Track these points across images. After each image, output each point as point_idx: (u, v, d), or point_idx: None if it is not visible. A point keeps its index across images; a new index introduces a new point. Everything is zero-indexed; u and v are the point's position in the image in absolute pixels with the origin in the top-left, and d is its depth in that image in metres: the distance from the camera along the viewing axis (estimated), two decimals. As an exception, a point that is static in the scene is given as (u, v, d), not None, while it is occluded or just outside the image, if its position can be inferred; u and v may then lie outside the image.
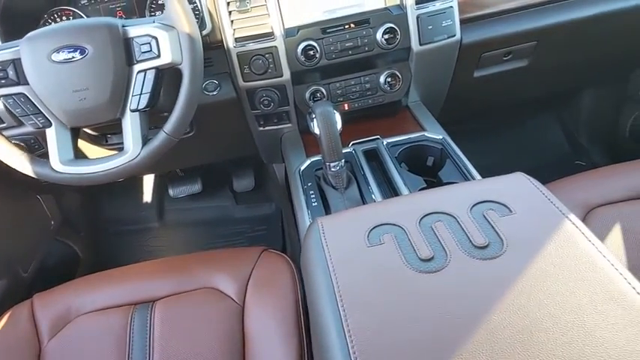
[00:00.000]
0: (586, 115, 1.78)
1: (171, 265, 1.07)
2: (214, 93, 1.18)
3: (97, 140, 1.26)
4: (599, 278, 0.55)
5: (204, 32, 1.13)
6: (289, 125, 1.26)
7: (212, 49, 1.15)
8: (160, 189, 1.88)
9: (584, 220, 0.95)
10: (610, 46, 1.37)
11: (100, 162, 0.96)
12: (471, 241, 0.62)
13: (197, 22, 1.15)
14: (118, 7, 1.24)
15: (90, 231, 1.79)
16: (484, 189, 0.71)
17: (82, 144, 1.28)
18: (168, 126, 0.94)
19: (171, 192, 1.81)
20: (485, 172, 0.92)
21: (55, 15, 1.24)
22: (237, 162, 1.83)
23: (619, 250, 0.89)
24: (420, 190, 0.97)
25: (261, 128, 1.26)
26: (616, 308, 0.51)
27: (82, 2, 1.23)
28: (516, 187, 0.70)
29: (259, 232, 1.80)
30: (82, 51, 0.90)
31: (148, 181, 1.88)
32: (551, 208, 0.65)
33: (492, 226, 0.64)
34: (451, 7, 1.11)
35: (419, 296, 0.57)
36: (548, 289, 0.55)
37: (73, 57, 0.90)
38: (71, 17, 1.24)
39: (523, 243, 0.61)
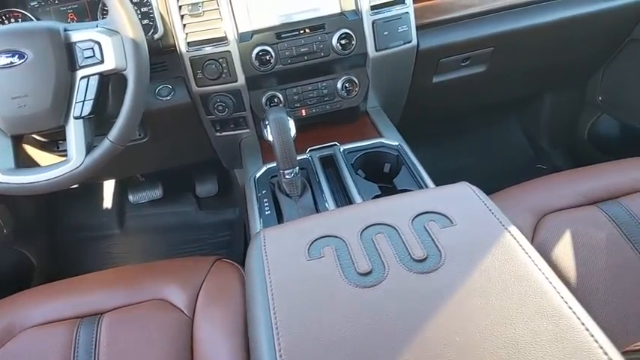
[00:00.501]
0: (546, 119, 1.80)
1: (121, 275, 1.04)
2: (168, 98, 1.16)
3: (47, 147, 1.22)
4: (533, 293, 0.55)
5: (157, 36, 1.11)
6: (247, 131, 1.24)
7: (165, 53, 1.12)
8: (120, 195, 1.84)
9: (535, 227, 0.96)
10: (567, 52, 1.39)
11: (42, 171, 0.93)
12: (409, 253, 0.62)
13: (150, 26, 1.13)
14: (70, 9, 1.20)
15: (46, 238, 1.74)
16: (427, 199, 0.70)
17: (33, 151, 1.24)
18: (113, 133, 0.91)
19: (131, 198, 1.77)
20: (447, 178, 0.92)
21: (3, 17, 1.19)
22: (199, 166, 1.80)
23: (568, 257, 0.89)
24: (374, 197, 0.96)
25: (218, 134, 1.24)
26: (547, 324, 0.51)
27: (32, 4, 1.19)
28: (460, 197, 0.70)
29: (222, 238, 1.77)
30: (22, 56, 0.87)
31: (108, 186, 1.83)
32: (492, 220, 0.65)
33: (432, 238, 0.63)
34: (407, 12, 1.10)
35: (354, 312, 0.56)
36: (482, 304, 0.54)
37: (12, 62, 0.87)
38: (20, 20, 1.20)
39: (461, 256, 0.60)
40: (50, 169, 0.92)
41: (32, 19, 1.19)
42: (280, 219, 0.95)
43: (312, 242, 0.66)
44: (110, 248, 1.79)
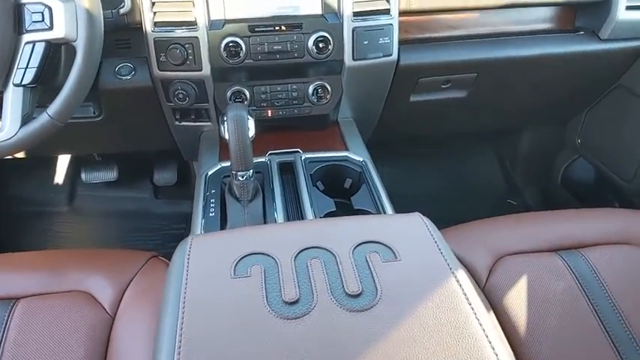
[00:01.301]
0: (522, 155, 1.78)
1: (47, 259, 0.96)
2: (128, 77, 1.08)
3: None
4: (466, 346, 0.49)
5: (123, 11, 1.03)
6: (208, 124, 1.17)
7: (130, 30, 1.05)
8: (73, 171, 1.73)
9: (491, 267, 0.91)
10: (551, 89, 1.36)
11: None
12: (343, 286, 0.56)
13: (120, 1, 1.05)
14: None
15: None
16: (375, 227, 0.64)
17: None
18: (53, 108, 0.84)
19: (83, 176, 1.67)
20: (411, 202, 0.87)
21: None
22: (160, 153, 1.71)
23: (520, 304, 0.85)
24: (327, 214, 0.91)
25: (178, 123, 1.17)
26: None
27: None
28: (410, 229, 0.64)
29: (175, 231, 1.69)
30: None
31: (62, 161, 1.73)
32: (438, 260, 0.60)
33: (371, 272, 0.57)
34: (391, 24, 1.05)
35: (269, 347, 0.49)
36: (411, 355, 0.48)
37: None
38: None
39: (398, 297, 0.54)
40: None
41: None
42: (224, 223, 0.89)
43: (242, 258, 0.60)
44: (53, 226, 1.69)
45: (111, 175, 1.67)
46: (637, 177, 1.31)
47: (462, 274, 0.58)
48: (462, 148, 1.84)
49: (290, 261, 0.59)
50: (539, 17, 1.25)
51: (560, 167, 1.64)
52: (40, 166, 1.71)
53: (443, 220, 0.89)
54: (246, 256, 0.60)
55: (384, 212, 0.89)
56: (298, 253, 0.60)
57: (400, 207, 0.95)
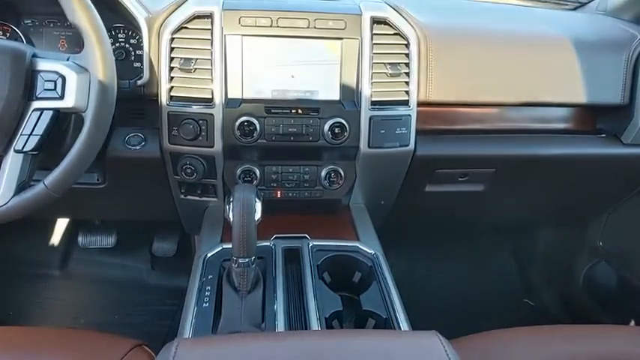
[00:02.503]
0: (541, 253, 1.71)
1: (24, 335, 0.89)
2: (137, 147, 1.06)
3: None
4: None
5: (140, 82, 1.03)
6: (215, 199, 1.13)
7: (146, 100, 1.04)
8: (70, 234, 1.68)
9: None
10: (571, 190, 1.32)
11: None
12: None
13: (139, 70, 1.05)
14: (63, 35, 1.14)
15: None
16: (386, 348, 0.57)
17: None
18: (50, 178, 0.80)
19: (80, 240, 1.61)
20: (422, 299, 0.80)
21: (-7, 29, 1.13)
22: (161, 223, 1.66)
23: None
24: (332, 314, 0.83)
25: (183, 196, 1.14)
26: None
27: (26, 22, 1.13)
28: (424, 354, 0.56)
29: (169, 306, 1.59)
30: None
31: (61, 221, 1.68)
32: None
33: None
34: (409, 115, 1.04)
35: None
36: None
37: None
38: (8, 34, 1.13)
39: None
40: None
41: (21, 37, 1.12)
42: (217, 317, 0.81)
43: None
44: (46, 291, 1.61)
45: (109, 240, 1.62)
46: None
47: None
48: (477, 241, 1.78)
49: None
50: (560, 116, 1.24)
51: (582, 270, 1.57)
52: (37, 225, 1.66)
53: (456, 319, 0.82)
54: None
55: (396, 318, 0.81)
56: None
57: (411, 305, 0.88)
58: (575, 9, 1.50)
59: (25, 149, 0.80)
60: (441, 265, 1.77)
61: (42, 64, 0.81)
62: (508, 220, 1.52)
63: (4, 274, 1.62)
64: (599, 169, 1.22)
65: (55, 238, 1.69)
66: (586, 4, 1.48)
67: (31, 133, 0.80)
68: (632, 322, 1.32)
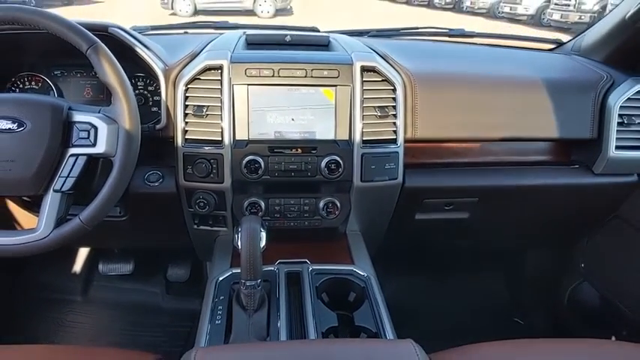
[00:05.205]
0: (528, 275, 1.80)
1: (53, 353, 0.99)
2: (156, 184, 1.18)
3: (28, 205, 1.23)
4: None
5: (158, 127, 1.16)
6: (224, 229, 1.25)
7: (163, 142, 1.17)
8: (91, 262, 1.81)
9: None
10: (550, 217, 1.42)
11: (7, 234, 0.93)
12: None
13: (157, 114, 1.19)
14: (88, 84, 1.28)
15: (3, 290, 1.69)
16: (369, 352, 0.68)
17: (15, 208, 1.26)
18: (85, 214, 0.93)
19: (101, 267, 1.74)
20: (414, 318, 0.89)
21: (25, 79, 1.27)
22: (175, 250, 1.79)
23: None
24: (328, 329, 0.94)
25: (196, 227, 1.25)
26: None
27: (55, 72, 1.27)
28: (398, 356, 0.68)
29: (182, 328, 1.70)
30: (21, 124, 0.91)
31: (82, 250, 1.81)
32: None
33: None
34: (397, 152, 1.15)
35: None
36: None
37: (11, 128, 0.91)
38: (40, 84, 1.27)
39: None
40: (14, 234, 0.93)
41: (51, 86, 1.27)
42: (229, 332, 0.92)
43: None
44: (67, 315, 1.73)
45: (127, 268, 1.74)
46: (639, 308, 1.32)
47: None
48: (467, 263, 1.87)
49: None
50: (538, 149, 1.36)
51: (566, 289, 1.66)
52: (61, 254, 1.79)
53: (446, 337, 0.91)
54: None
55: (384, 331, 0.92)
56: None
57: (404, 321, 0.98)
58: (553, 49, 1.63)
59: (62, 189, 0.93)
60: (434, 286, 1.86)
61: (77, 116, 0.95)
62: (494, 244, 1.62)
63: (31, 299, 1.74)
64: (574, 197, 1.33)
65: (78, 266, 1.82)
66: (564, 44, 1.62)
67: (68, 175, 0.93)
68: (613, 338, 1.40)
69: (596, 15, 9.38)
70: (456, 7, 14.76)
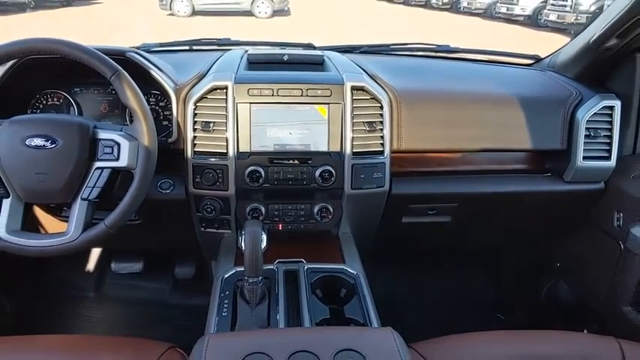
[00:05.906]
0: (509, 272, 1.92)
1: (77, 343, 1.10)
2: (167, 191, 1.31)
3: (53, 210, 1.36)
4: None
5: (171, 140, 1.29)
6: (229, 232, 1.38)
7: (174, 154, 1.30)
8: (103, 261, 1.95)
9: None
10: (524, 220, 1.55)
11: (40, 237, 1.07)
12: None
13: (169, 128, 1.32)
14: (105, 100, 1.41)
15: (28, 286, 1.82)
16: (354, 338, 0.81)
17: (40, 212, 1.38)
18: (109, 219, 1.06)
19: (113, 266, 1.88)
20: (403, 308, 0.99)
21: (48, 96, 1.40)
22: (182, 250, 1.92)
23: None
24: (321, 320, 1.07)
25: (203, 229, 1.38)
26: None
27: (75, 89, 1.40)
28: (382, 342, 0.81)
29: (189, 322, 1.83)
30: (54, 141, 1.04)
31: (95, 250, 1.95)
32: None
33: None
34: (383, 163, 1.28)
35: None
36: None
37: (44, 145, 1.04)
38: (62, 100, 1.40)
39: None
40: (48, 237, 1.06)
41: (71, 102, 1.39)
42: (234, 322, 1.05)
43: (247, 355, 0.77)
44: (81, 310, 1.87)
45: (137, 266, 1.88)
46: (608, 304, 1.45)
47: None
48: (451, 263, 2.01)
49: None
50: (515, 159, 1.48)
51: (544, 287, 1.78)
52: (76, 254, 1.92)
53: (430, 330, 1.02)
54: (250, 354, 0.77)
55: (370, 323, 1.05)
56: (291, 355, 0.77)
57: (391, 315, 1.10)
58: (532, 64, 1.76)
59: (89, 198, 1.07)
60: (420, 284, 1.99)
61: (101, 134, 1.08)
62: (475, 245, 1.75)
63: (48, 295, 1.88)
64: (546, 202, 1.46)
65: (91, 265, 1.95)
66: (542, 59, 1.75)
67: (94, 186, 1.07)
68: (585, 331, 1.53)
69: (592, 16, 9.46)
70: (453, 8, 14.86)
